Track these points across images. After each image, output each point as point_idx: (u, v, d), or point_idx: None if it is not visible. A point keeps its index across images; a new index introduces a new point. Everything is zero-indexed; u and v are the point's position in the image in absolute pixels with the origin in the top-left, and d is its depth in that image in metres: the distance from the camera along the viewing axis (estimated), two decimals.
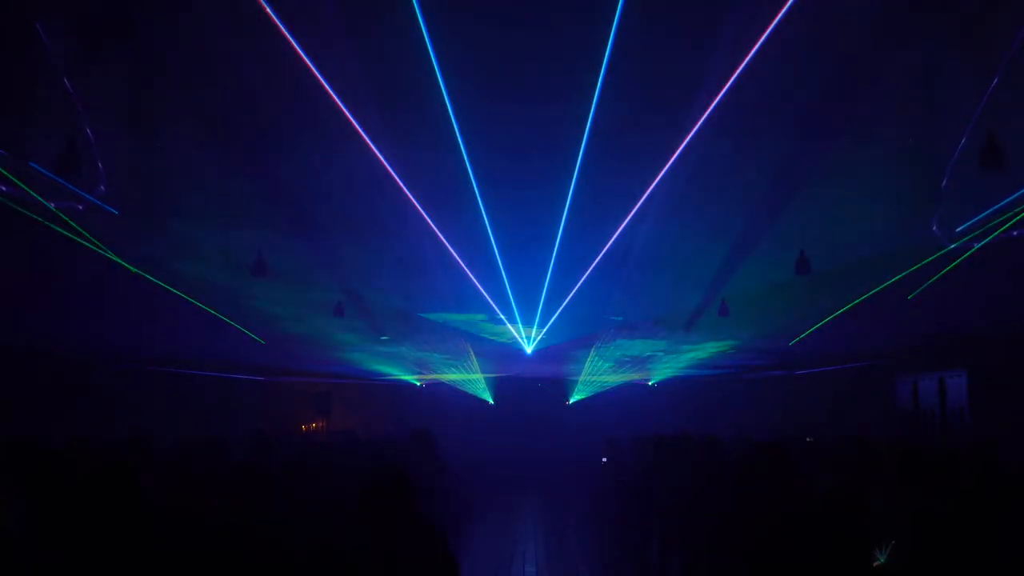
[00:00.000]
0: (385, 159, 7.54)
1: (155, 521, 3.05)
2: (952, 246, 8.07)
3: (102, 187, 6.74)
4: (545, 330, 17.02)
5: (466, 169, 7.90)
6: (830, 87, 6.38)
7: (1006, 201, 7.10)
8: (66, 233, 7.66)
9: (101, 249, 8.20)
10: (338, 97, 6.61)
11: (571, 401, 19.80)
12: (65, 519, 3.61)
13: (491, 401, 19.58)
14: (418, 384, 20.32)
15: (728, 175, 8.00)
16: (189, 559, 2.83)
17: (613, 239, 9.66)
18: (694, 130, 6.96)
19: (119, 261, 8.76)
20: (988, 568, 3.09)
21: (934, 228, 7.63)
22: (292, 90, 6.38)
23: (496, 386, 19.57)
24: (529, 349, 18.16)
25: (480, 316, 14.66)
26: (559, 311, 14.29)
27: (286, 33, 5.83)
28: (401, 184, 8.03)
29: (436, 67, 6.42)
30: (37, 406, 11.24)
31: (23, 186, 6.74)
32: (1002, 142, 5.97)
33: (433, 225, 9.23)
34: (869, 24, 5.73)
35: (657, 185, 8.05)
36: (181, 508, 4.53)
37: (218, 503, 4.02)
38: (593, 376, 18.45)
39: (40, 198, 6.89)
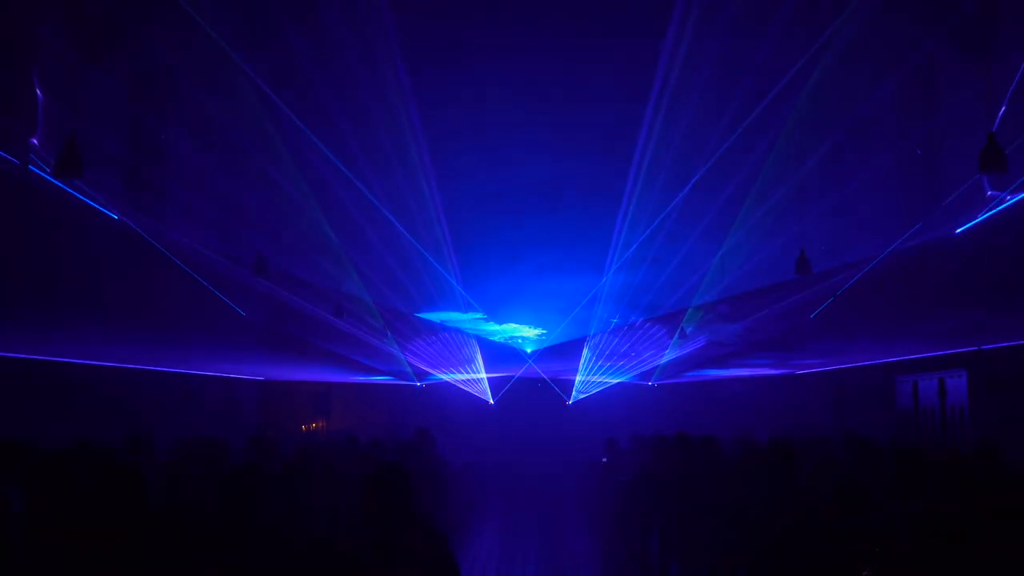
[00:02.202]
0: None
1: (156, 521, 3.05)
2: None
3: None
4: (546, 330, 17.02)
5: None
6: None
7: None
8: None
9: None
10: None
11: (571, 401, 19.78)
12: (66, 521, 3.60)
13: (491, 401, 19.58)
14: (418, 384, 20.32)
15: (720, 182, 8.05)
16: (189, 560, 2.83)
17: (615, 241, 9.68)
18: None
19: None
20: (989, 568, 3.09)
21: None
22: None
23: (496, 386, 19.56)
24: (529, 349, 18.16)
25: (479, 315, 14.66)
26: (559, 312, 14.31)
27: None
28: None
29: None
30: (36, 407, 11.22)
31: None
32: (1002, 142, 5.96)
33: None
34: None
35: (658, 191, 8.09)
36: (182, 508, 4.53)
37: (218, 503, 4.01)
38: (593, 376, 18.45)
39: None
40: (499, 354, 18.15)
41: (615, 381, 18.73)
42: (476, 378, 18.73)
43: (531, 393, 19.86)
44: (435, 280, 11.55)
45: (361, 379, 19.84)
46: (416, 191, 8.52)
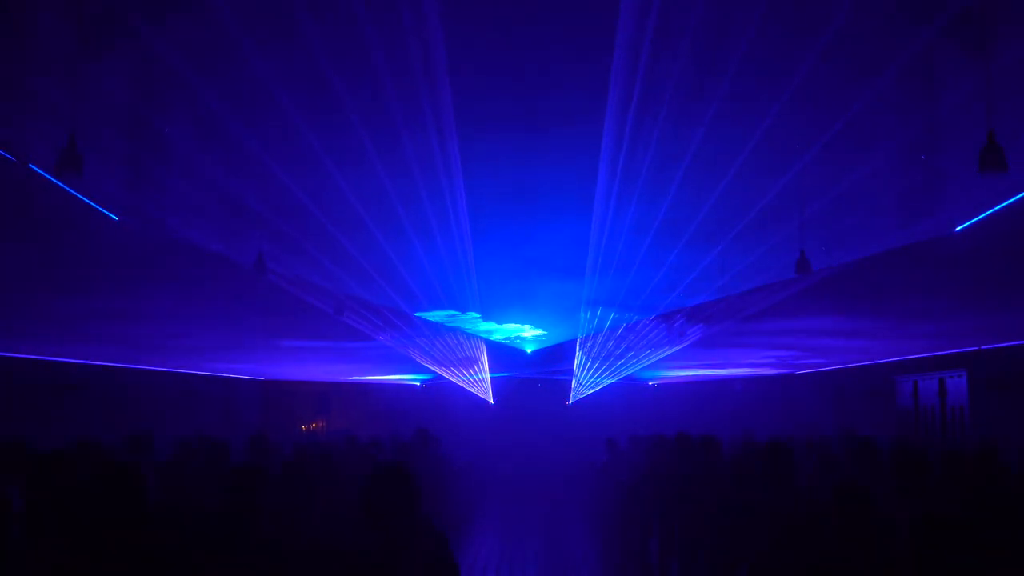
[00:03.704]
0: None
1: (156, 521, 3.05)
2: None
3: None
4: (545, 331, 17.01)
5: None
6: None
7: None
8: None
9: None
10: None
11: (571, 401, 19.78)
12: (67, 521, 3.60)
13: (491, 401, 19.57)
14: (418, 384, 20.32)
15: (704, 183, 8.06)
16: (189, 560, 2.83)
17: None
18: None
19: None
20: (989, 568, 3.09)
21: None
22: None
23: (496, 386, 19.57)
24: (529, 349, 18.16)
25: (475, 315, 14.65)
26: (559, 312, 14.28)
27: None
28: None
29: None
30: (36, 407, 11.23)
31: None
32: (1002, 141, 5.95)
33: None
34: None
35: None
36: (182, 508, 4.53)
37: (219, 503, 4.02)
38: (592, 376, 18.46)
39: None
40: (499, 354, 18.16)
41: (615, 379, 18.74)
42: (476, 378, 18.73)
43: (531, 393, 19.87)
44: (443, 280, 11.55)
45: (361, 379, 19.86)
46: (436, 190, 8.52)
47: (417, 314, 14.14)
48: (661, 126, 7.11)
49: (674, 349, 15.67)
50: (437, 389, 19.68)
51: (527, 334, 17.23)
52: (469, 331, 16.14)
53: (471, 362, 17.93)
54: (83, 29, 5.78)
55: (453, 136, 7.51)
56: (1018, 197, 6.75)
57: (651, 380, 20.22)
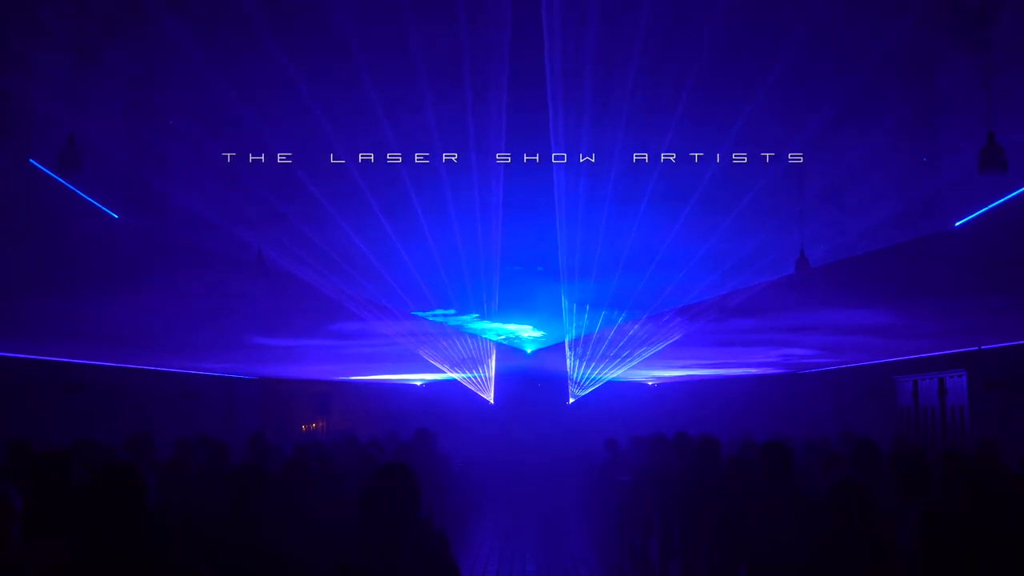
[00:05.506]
0: None
1: (155, 522, 3.04)
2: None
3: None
4: (545, 332, 17.02)
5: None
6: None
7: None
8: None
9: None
10: None
11: (571, 401, 19.78)
12: (67, 520, 3.60)
13: (491, 401, 19.57)
14: (418, 384, 20.31)
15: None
16: (187, 560, 2.82)
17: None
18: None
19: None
20: (990, 568, 3.09)
21: None
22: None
23: (496, 386, 19.56)
24: (529, 349, 18.16)
25: (472, 315, 14.67)
26: (559, 312, 14.30)
27: None
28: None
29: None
30: (35, 407, 11.22)
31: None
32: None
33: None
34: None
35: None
36: (181, 508, 4.53)
37: (218, 503, 4.01)
38: (592, 376, 18.46)
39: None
40: (498, 354, 18.15)
41: (614, 379, 18.73)
42: (477, 378, 18.73)
43: (530, 393, 19.85)
44: (455, 281, 11.54)
45: (362, 378, 19.85)
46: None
47: (417, 313, 14.15)
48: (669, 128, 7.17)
49: (668, 343, 15.68)
50: (437, 389, 19.68)
51: (526, 334, 17.23)
52: (472, 331, 16.15)
53: (474, 362, 17.92)
54: (84, 13, 5.77)
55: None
56: (1018, 192, 6.75)
57: (651, 379, 20.21)
